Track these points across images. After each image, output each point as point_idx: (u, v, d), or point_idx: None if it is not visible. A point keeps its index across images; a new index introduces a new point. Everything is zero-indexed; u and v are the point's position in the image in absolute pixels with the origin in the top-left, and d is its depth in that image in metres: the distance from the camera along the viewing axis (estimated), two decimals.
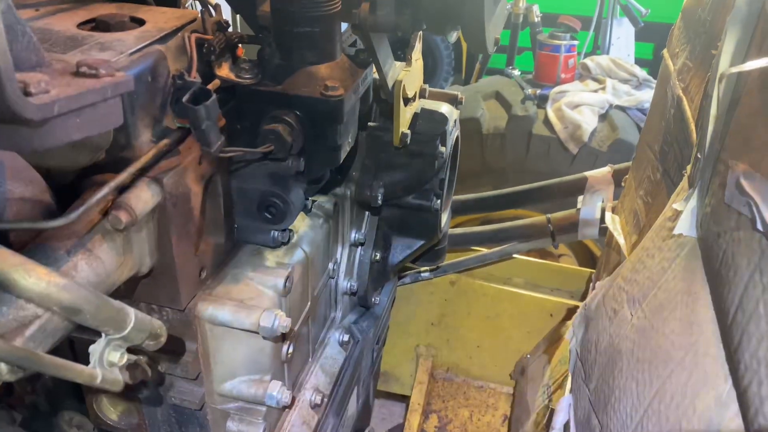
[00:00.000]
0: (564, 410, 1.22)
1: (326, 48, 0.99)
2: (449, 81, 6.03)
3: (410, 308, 2.03)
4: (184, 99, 0.79)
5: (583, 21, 4.20)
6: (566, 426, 1.22)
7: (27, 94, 0.56)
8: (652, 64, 4.77)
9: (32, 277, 0.59)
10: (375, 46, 1.09)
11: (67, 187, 0.85)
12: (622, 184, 1.65)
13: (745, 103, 0.73)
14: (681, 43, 1.32)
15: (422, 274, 1.91)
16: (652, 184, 1.36)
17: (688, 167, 1.02)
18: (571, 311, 1.94)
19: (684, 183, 1.02)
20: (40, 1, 0.99)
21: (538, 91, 2.90)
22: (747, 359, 0.63)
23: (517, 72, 3.19)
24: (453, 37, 1.16)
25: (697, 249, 0.88)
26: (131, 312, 0.69)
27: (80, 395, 1.12)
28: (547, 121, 2.81)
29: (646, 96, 2.87)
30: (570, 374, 1.26)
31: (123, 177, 0.78)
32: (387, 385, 2.14)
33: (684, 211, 0.93)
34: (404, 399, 2.18)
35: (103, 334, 0.68)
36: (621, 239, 1.44)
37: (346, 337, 1.36)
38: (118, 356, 0.68)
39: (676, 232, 0.93)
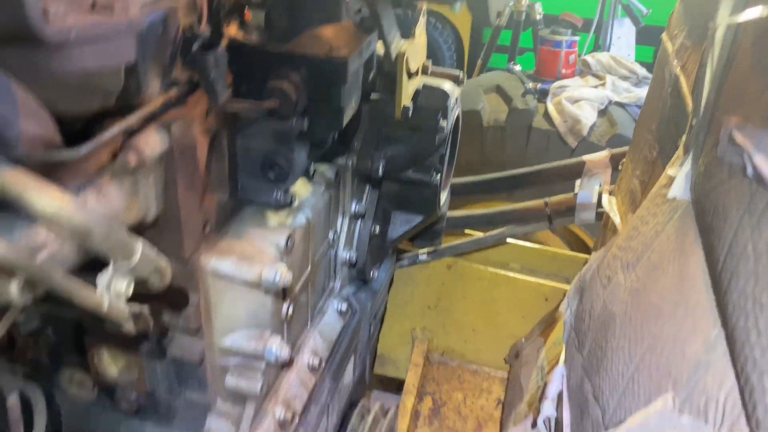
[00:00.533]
0: (557, 380, 1.24)
1: (332, 9, 1.02)
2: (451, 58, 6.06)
3: (407, 291, 2.05)
4: (194, 47, 0.81)
5: (584, 23, 4.25)
6: (559, 396, 1.23)
7: (46, 17, 0.58)
8: (652, 66, 4.81)
9: (45, 197, 0.61)
10: (379, 11, 1.12)
11: (77, 134, 0.88)
12: (620, 167, 1.67)
13: (740, 59, 0.75)
14: (679, 24, 1.35)
15: (420, 257, 1.93)
16: (649, 164, 1.38)
17: (684, 136, 1.04)
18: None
19: (679, 151, 1.04)
20: None
21: (539, 86, 2.93)
22: (735, 298, 0.65)
23: (518, 67, 3.22)
24: (458, 7, 1.18)
25: (690, 209, 0.90)
26: (139, 242, 0.71)
27: (82, 350, 1.14)
28: (547, 115, 2.84)
29: (645, 93, 2.90)
30: (564, 346, 1.28)
31: (133, 119, 0.80)
32: (383, 369, 2.16)
33: (678, 176, 0.95)
34: (399, 391, 2.19)
35: (111, 263, 0.70)
36: (617, 219, 1.46)
37: (344, 307, 1.38)
38: (125, 285, 0.70)
39: (670, 196, 0.95)
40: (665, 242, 0.91)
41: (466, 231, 2.03)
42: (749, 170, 0.68)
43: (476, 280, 2.00)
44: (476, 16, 4.75)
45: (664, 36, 1.44)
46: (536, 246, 2.03)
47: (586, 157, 1.75)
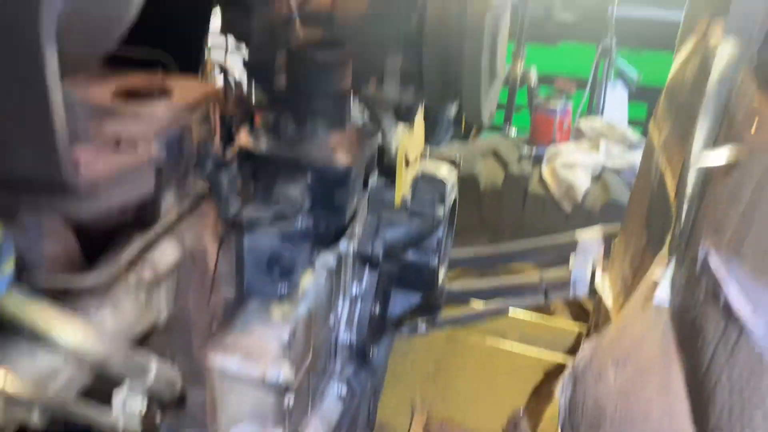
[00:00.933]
0: None
1: (336, 120, 1.09)
2: (449, 133, 6.20)
3: (406, 361, 2.07)
4: (207, 166, 0.88)
5: (579, 81, 4.38)
6: None
7: (78, 168, 0.64)
8: (645, 124, 4.93)
9: (70, 330, 0.66)
10: (380, 117, 1.19)
11: (96, 242, 0.93)
12: (612, 246, 1.72)
13: (713, 187, 0.81)
14: (664, 119, 1.42)
15: (419, 328, 1.96)
16: (639, 252, 1.43)
17: (668, 237, 1.10)
18: (563, 368, 1.99)
19: (664, 252, 1.10)
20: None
21: (534, 151, 3.01)
22: (714, 423, 0.70)
23: (514, 131, 3.31)
24: (452, 109, 1.26)
25: (672, 319, 0.95)
26: (153, 362, 0.75)
27: None
28: (542, 180, 2.91)
29: (638, 158, 2.99)
30: (559, 429, 1.30)
31: (149, 236, 0.85)
32: None
33: (662, 282, 1.00)
34: None
35: (125, 382, 0.74)
36: (609, 302, 1.51)
37: (344, 390, 1.41)
38: (139, 403, 0.74)
39: (656, 302, 1.00)
40: (650, 348, 0.95)
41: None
42: (722, 299, 0.73)
43: (475, 351, 2.03)
44: (469, 117, 4.86)
45: (651, 125, 1.52)
46: (535, 317, 2.07)
47: (579, 233, 1.80)
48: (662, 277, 1.00)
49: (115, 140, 0.73)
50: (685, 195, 0.89)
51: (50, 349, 0.68)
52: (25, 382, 0.64)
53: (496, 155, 3.10)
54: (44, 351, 0.68)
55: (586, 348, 1.31)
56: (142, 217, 0.91)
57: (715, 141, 0.86)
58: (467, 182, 3.04)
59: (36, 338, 0.66)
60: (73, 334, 0.66)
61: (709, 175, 0.86)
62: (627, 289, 1.46)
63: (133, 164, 0.71)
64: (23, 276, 0.69)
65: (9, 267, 0.66)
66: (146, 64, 1.27)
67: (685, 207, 0.90)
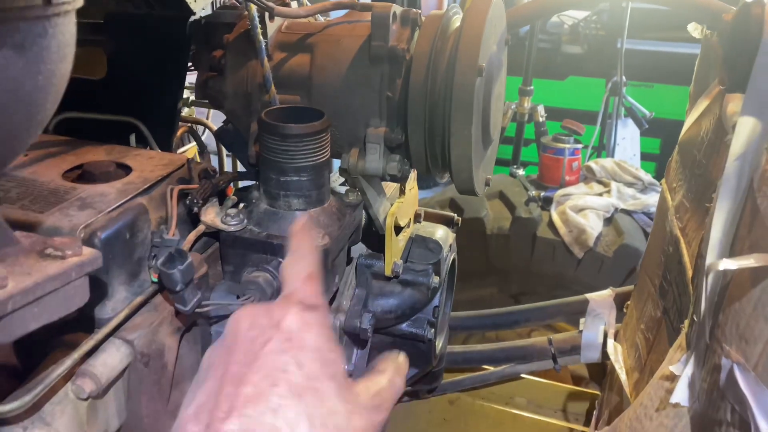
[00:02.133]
0: None
1: (313, 195, 0.99)
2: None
3: (407, 426, 1.94)
4: (159, 263, 0.78)
5: (591, 116, 4.28)
6: None
7: None
8: (659, 158, 4.80)
9: None
10: (364, 187, 1.09)
11: (33, 342, 0.83)
12: (624, 309, 1.60)
13: (737, 293, 0.70)
14: (678, 178, 1.31)
15: (420, 393, 1.84)
16: (653, 321, 1.31)
17: (686, 323, 0.98)
18: None
19: (681, 340, 0.97)
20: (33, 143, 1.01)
21: (542, 193, 2.90)
22: None
23: (521, 172, 3.21)
24: (444, 178, 1.16)
25: (693, 421, 0.83)
26: None
27: None
28: (551, 224, 2.79)
29: (651, 200, 2.86)
30: None
31: (90, 344, 0.75)
32: None
33: (681, 378, 0.88)
34: None
35: None
36: (623, 375, 1.38)
37: None
38: None
39: (673, 400, 0.88)
40: None
41: None
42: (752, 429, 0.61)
43: (480, 416, 1.90)
44: (460, 189, 4.76)
45: (664, 185, 1.41)
46: (543, 380, 1.94)
47: (589, 296, 1.68)
48: (681, 375, 0.87)
49: (41, 247, 0.63)
50: (703, 290, 0.77)
51: None
52: None
53: (503, 197, 2.99)
54: None
55: None
56: (87, 315, 0.81)
57: (736, 230, 0.75)
58: (473, 225, 2.93)
59: None
60: None
61: (729, 277, 0.75)
62: (641, 362, 1.34)
63: (56, 276, 0.61)
64: None
65: None
66: (117, 131, 1.19)
67: (703, 304, 0.78)
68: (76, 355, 0.72)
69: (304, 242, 0.70)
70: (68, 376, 0.76)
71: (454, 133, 0.94)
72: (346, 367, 1.31)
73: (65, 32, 0.53)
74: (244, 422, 0.50)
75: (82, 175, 0.91)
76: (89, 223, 0.79)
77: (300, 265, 0.66)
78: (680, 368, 0.90)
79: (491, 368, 1.90)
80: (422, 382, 1.66)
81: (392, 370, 0.67)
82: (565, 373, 2.38)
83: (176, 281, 0.79)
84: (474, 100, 0.91)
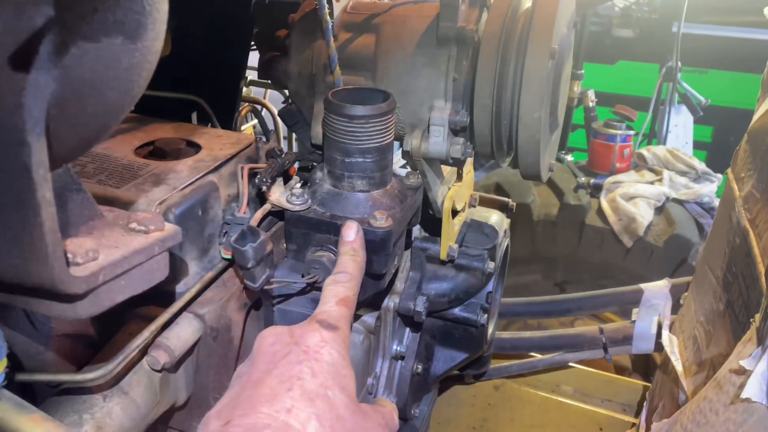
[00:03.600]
0: None
1: (377, 177, 0.99)
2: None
3: (451, 410, 1.95)
4: (232, 240, 0.79)
5: (642, 102, 4.16)
6: None
7: (74, 264, 0.56)
8: (710, 147, 4.65)
9: None
10: (425, 170, 1.09)
11: (110, 314, 0.86)
12: (681, 301, 1.56)
13: None
14: (747, 168, 1.26)
15: (465, 377, 1.84)
16: (714, 314, 1.28)
17: (757, 317, 0.95)
18: (622, 426, 1.83)
19: (752, 334, 0.95)
20: None
21: (592, 180, 2.85)
22: None
23: (570, 158, 3.15)
24: (506, 162, 1.14)
25: (763, 418, 0.80)
26: None
27: None
28: (600, 212, 2.74)
29: (705, 189, 2.78)
30: None
31: (166, 317, 0.77)
32: None
33: (753, 374, 0.85)
34: None
35: None
36: (679, 366, 1.35)
37: None
38: None
39: (744, 395, 0.86)
40: None
41: None
42: None
43: (525, 403, 1.88)
44: (524, 173, 4.65)
45: (730, 174, 1.36)
46: (590, 369, 1.91)
47: (644, 286, 1.64)
48: (753, 370, 0.85)
49: (125, 221, 0.65)
50: None
51: None
52: None
53: (551, 183, 2.95)
54: None
55: (655, 428, 1.16)
56: (159, 290, 0.83)
57: None
58: (519, 211, 2.89)
59: None
60: None
61: None
62: (701, 355, 1.31)
63: (142, 249, 0.62)
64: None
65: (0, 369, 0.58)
66: (180, 108, 1.20)
67: None
68: (153, 327, 0.74)
69: (351, 263, 0.79)
70: (143, 349, 0.78)
71: (522, 116, 0.92)
72: (395, 346, 1.32)
73: (160, 10, 0.53)
74: (261, 418, 0.56)
75: (154, 151, 0.93)
76: (164, 199, 0.81)
77: (339, 288, 0.75)
78: (752, 363, 0.88)
79: (538, 355, 1.89)
80: (470, 367, 1.66)
81: (392, 406, 0.76)
82: (606, 363, 2.34)
83: (248, 258, 0.80)
84: (545, 82, 0.89)
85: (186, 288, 0.83)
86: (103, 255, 0.59)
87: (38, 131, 0.48)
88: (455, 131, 1.01)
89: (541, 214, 2.84)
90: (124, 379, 0.75)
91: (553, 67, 0.93)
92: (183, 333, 0.79)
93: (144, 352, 0.77)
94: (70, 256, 0.56)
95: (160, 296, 0.83)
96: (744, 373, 0.90)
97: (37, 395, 0.77)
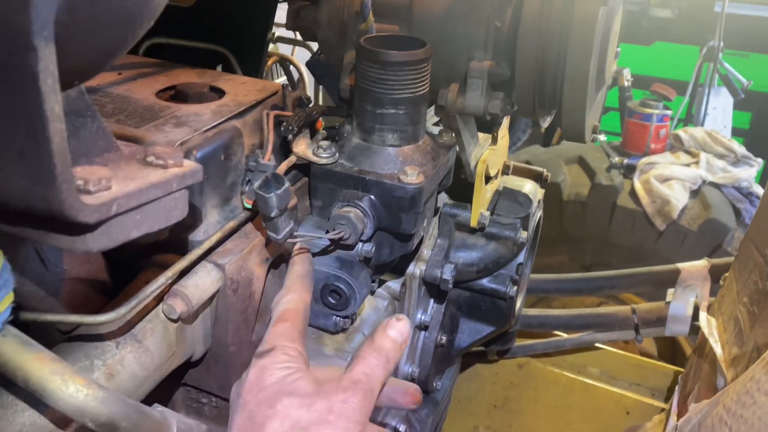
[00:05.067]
0: None
1: (409, 131, 0.93)
2: (527, 133, 5.86)
3: (472, 387, 1.90)
4: (256, 186, 0.74)
5: (678, 85, 4.02)
6: None
7: (85, 191, 0.52)
8: (748, 134, 4.49)
9: (69, 387, 0.54)
10: (460, 127, 1.03)
11: (125, 261, 0.82)
12: (721, 282, 1.49)
13: None
14: None
15: (488, 354, 1.79)
16: (759, 293, 1.20)
17: None
18: (650, 411, 1.76)
19: None
20: (124, 63, 0.99)
21: (625, 161, 2.75)
22: None
23: (603, 137, 3.05)
24: (546, 121, 1.08)
25: None
26: (173, 423, 0.63)
27: None
28: (633, 193, 2.65)
29: (744, 174, 2.67)
30: None
31: (184, 264, 0.73)
32: None
33: None
34: None
35: None
36: (718, 349, 1.28)
37: (403, 428, 1.26)
38: None
39: None
40: None
41: None
42: None
43: (550, 383, 1.83)
44: (567, 133, 4.52)
45: None
46: (618, 351, 1.85)
47: (681, 266, 1.57)
48: None
49: (142, 155, 0.60)
50: None
51: (43, 406, 0.57)
52: None
53: (583, 163, 2.85)
54: (35, 408, 0.56)
55: (692, 411, 1.10)
56: (178, 238, 0.79)
57: None
58: (549, 189, 2.80)
59: (28, 392, 0.55)
60: (73, 393, 0.54)
61: None
62: (743, 336, 1.24)
63: (159, 184, 0.57)
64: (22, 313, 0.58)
65: (4, 305, 0.55)
66: (204, 58, 1.16)
67: None
68: (170, 273, 0.70)
69: (298, 292, 0.79)
70: (159, 296, 0.74)
71: (569, 69, 0.86)
72: (420, 315, 1.27)
73: None
74: None
75: (176, 95, 0.89)
76: (185, 140, 0.76)
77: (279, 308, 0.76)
78: None
79: (564, 335, 1.83)
80: (495, 342, 1.61)
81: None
82: (632, 350, 2.28)
83: (272, 206, 0.75)
84: (596, 30, 0.82)
85: (206, 236, 0.78)
86: (116, 185, 0.54)
87: (46, 34, 0.44)
88: (494, 85, 0.95)
89: (571, 193, 2.76)
90: (137, 326, 0.71)
91: (605, 17, 0.86)
92: (201, 282, 0.75)
93: (160, 299, 0.74)
94: (80, 182, 0.51)
95: (177, 244, 0.79)
96: None
97: (48, 342, 0.74)
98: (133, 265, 0.80)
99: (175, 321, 0.74)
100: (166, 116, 0.81)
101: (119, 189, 0.54)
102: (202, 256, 0.76)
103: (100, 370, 0.66)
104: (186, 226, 0.79)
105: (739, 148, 2.77)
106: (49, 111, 0.45)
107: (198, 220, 0.79)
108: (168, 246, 0.79)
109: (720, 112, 3.67)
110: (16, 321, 0.57)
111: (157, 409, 0.63)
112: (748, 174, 2.68)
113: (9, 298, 0.55)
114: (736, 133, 4.21)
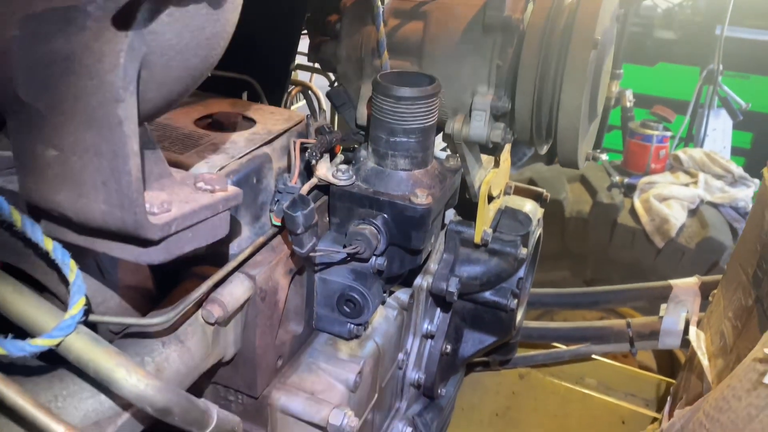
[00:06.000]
0: None
1: (419, 157, 1.03)
2: (532, 149, 5.96)
3: (476, 396, 1.99)
4: (285, 206, 0.85)
5: (680, 105, 4.12)
6: None
7: (151, 213, 0.62)
8: (749, 153, 4.58)
9: (132, 377, 0.64)
10: (465, 153, 1.13)
11: (168, 272, 0.92)
12: (710, 298, 1.58)
13: None
14: None
15: (491, 364, 1.88)
16: (743, 309, 1.29)
17: None
18: (644, 420, 1.85)
19: None
20: None
21: (626, 180, 2.85)
22: None
23: (604, 156, 3.15)
24: (544, 149, 1.18)
25: None
26: (214, 412, 0.73)
27: None
28: (633, 211, 2.75)
29: (741, 194, 2.76)
30: None
31: (221, 275, 0.83)
32: None
33: None
34: None
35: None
36: (705, 361, 1.37)
37: (409, 431, 1.36)
38: None
39: (766, 380, 0.88)
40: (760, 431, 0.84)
41: None
42: None
43: (549, 393, 1.92)
44: (562, 160, 4.63)
45: (765, 173, 1.37)
46: (615, 363, 1.94)
47: (673, 282, 1.66)
48: None
49: (193, 181, 0.71)
50: None
51: (111, 394, 0.67)
52: (83, 425, 0.63)
53: (584, 181, 2.95)
54: (104, 395, 0.66)
55: (676, 417, 1.19)
56: (215, 251, 0.90)
57: None
58: (551, 207, 2.91)
59: (98, 382, 0.65)
60: (136, 382, 0.64)
61: None
62: (727, 349, 1.32)
63: (208, 206, 0.68)
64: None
65: (79, 307, 0.65)
66: (232, 87, 1.26)
67: None
68: (211, 282, 0.80)
69: None
70: (199, 303, 0.84)
71: (563, 103, 0.96)
72: (426, 325, 1.37)
73: None
74: None
75: (212, 123, 0.99)
76: (224, 165, 0.87)
77: None
78: None
79: (563, 346, 1.92)
80: (497, 352, 1.70)
81: None
82: (631, 363, 2.36)
83: (298, 224, 0.85)
84: (587, 71, 0.92)
85: (239, 250, 0.89)
86: (175, 208, 0.65)
87: (131, 89, 0.54)
88: (496, 116, 1.05)
89: (573, 210, 2.86)
90: (180, 329, 0.81)
91: (595, 58, 0.97)
92: (235, 291, 0.85)
93: (199, 305, 0.84)
94: (147, 206, 0.62)
95: (214, 257, 0.89)
96: None
97: None
98: (173, 274, 0.90)
99: (212, 324, 0.84)
100: (205, 143, 0.92)
101: (177, 211, 0.65)
102: (236, 268, 0.86)
103: (150, 366, 0.76)
104: (222, 240, 0.89)
105: (737, 169, 2.86)
106: (130, 150, 0.55)
107: (233, 235, 0.89)
108: (204, 258, 0.90)
109: (719, 133, 3.77)
110: (86, 321, 0.67)
111: (201, 400, 0.73)
112: (744, 194, 2.77)
113: (82, 302, 0.65)
114: (737, 152, 4.30)
